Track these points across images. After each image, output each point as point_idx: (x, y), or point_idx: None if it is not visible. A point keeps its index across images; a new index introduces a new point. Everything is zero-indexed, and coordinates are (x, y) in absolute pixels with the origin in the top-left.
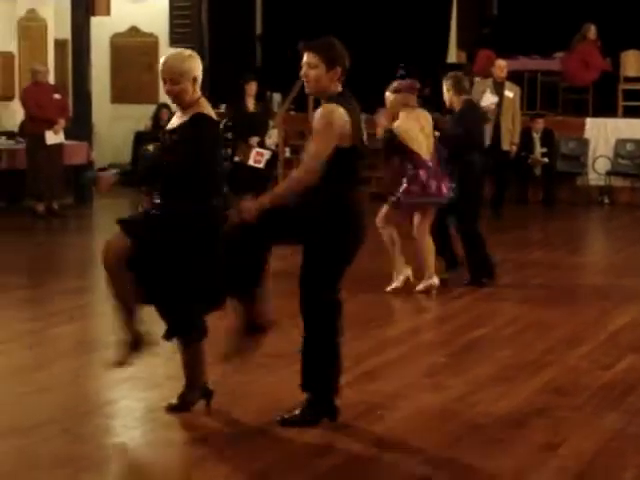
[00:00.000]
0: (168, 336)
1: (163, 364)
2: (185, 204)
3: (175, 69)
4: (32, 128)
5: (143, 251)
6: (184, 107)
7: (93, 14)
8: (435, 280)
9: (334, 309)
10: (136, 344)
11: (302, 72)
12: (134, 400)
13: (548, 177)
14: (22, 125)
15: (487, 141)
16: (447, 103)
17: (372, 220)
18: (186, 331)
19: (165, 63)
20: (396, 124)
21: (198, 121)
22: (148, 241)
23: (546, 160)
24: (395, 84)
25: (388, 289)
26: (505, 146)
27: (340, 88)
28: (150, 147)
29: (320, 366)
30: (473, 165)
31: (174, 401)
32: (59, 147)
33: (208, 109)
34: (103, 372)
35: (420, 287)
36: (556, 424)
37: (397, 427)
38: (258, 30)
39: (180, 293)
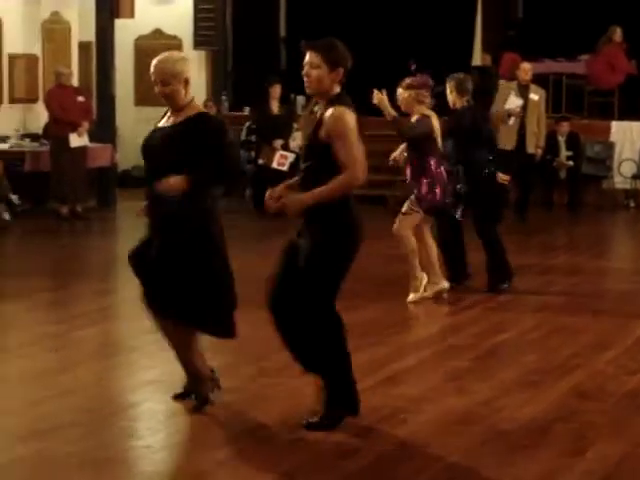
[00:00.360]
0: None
1: None
2: (186, 202)
3: (167, 70)
4: (56, 130)
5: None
6: (177, 109)
7: (117, 16)
8: (445, 284)
9: (336, 314)
10: (212, 382)
11: (304, 71)
12: (158, 403)
13: (573, 180)
14: (46, 127)
15: (507, 144)
16: (450, 104)
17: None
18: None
19: (156, 65)
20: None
21: (202, 118)
22: (156, 264)
23: (571, 163)
24: (408, 80)
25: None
26: (530, 149)
27: (339, 89)
28: None
29: (330, 368)
30: (479, 164)
31: (178, 392)
32: (83, 149)
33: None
34: (126, 375)
35: (428, 293)
36: (582, 429)
37: (421, 431)
38: (282, 32)
39: (191, 293)
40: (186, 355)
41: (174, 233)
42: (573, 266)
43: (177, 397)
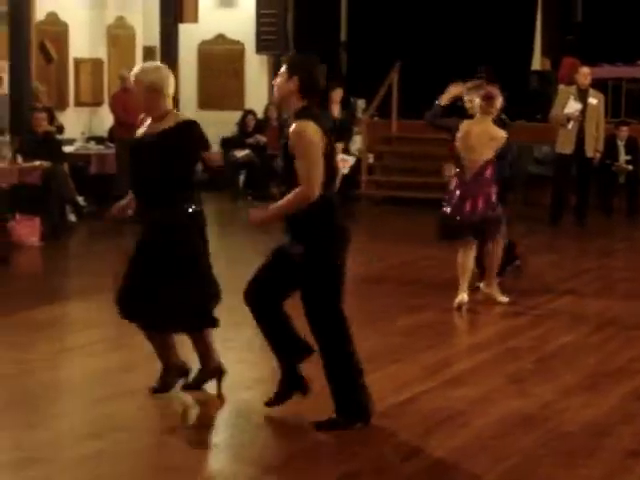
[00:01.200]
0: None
1: (250, 368)
2: (169, 209)
3: (139, 81)
4: (121, 133)
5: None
6: (154, 118)
7: (181, 21)
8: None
9: (341, 317)
10: (180, 372)
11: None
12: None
13: (632, 185)
14: (111, 130)
15: (566, 148)
16: (472, 108)
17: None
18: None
19: (132, 75)
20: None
21: (188, 126)
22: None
23: (630, 168)
24: (485, 91)
25: (502, 301)
26: (589, 153)
27: (304, 103)
28: (236, 153)
29: (340, 374)
30: None
31: (155, 385)
32: None
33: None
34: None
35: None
36: None
37: (482, 433)
38: (343, 37)
39: (177, 290)
40: (161, 349)
41: (160, 235)
42: (632, 270)
43: (156, 391)
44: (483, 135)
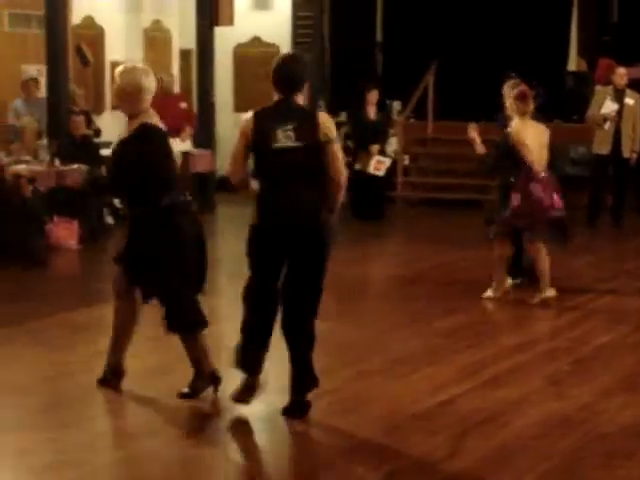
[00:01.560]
0: (171, 329)
1: (286, 370)
2: (143, 207)
3: (116, 82)
4: None
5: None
6: (129, 116)
7: (217, 24)
8: (552, 292)
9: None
10: (115, 374)
11: None
12: (260, 404)
13: None
14: None
15: (603, 149)
16: (508, 108)
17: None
18: (188, 325)
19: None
20: (510, 128)
21: (144, 133)
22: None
23: None
24: (518, 91)
25: (484, 296)
26: (626, 153)
27: (278, 96)
28: None
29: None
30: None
31: (186, 389)
32: (185, 155)
33: (153, 119)
34: (228, 376)
35: (536, 300)
36: None
37: (522, 434)
38: (379, 38)
39: (166, 284)
40: (192, 352)
41: (146, 232)
42: None
43: (183, 396)
44: (537, 135)
